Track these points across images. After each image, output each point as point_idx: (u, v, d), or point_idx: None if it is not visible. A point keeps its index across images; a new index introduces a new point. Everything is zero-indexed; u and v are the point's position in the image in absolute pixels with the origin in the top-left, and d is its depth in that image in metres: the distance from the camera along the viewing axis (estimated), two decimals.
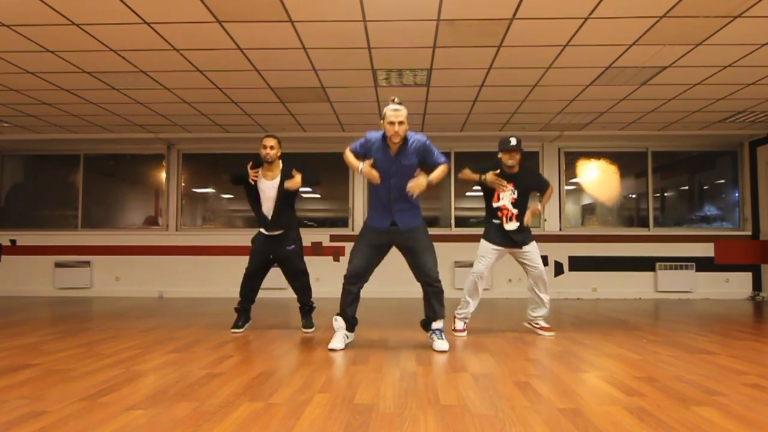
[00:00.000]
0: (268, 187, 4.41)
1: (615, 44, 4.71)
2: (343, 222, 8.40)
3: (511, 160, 4.26)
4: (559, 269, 8.07)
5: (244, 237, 8.33)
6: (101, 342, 4.03)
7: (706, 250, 8.10)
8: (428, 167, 3.69)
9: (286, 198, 4.41)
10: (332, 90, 6.02)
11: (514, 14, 4.14)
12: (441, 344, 3.70)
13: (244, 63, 5.15)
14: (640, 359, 3.46)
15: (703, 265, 8.05)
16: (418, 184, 3.55)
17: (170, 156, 8.60)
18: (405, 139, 3.59)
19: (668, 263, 8.04)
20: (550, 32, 4.47)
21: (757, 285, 8.05)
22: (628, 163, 8.57)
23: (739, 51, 4.82)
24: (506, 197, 4.33)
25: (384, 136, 3.60)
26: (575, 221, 8.71)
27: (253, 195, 4.46)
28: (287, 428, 2.09)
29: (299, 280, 4.57)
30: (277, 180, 4.40)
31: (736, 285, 8.04)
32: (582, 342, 4.14)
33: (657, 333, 4.63)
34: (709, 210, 8.66)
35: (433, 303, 3.79)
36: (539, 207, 4.38)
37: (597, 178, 8.64)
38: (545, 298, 4.45)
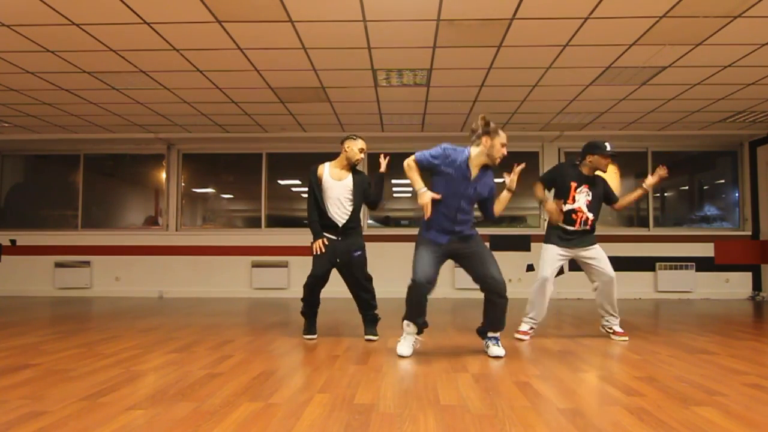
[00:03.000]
0: (334, 186, 4.13)
1: (615, 44, 4.71)
2: None
3: (605, 167, 4.17)
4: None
5: (244, 237, 8.39)
6: (101, 342, 4.03)
7: (706, 250, 8.10)
8: (482, 208, 3.67)
9: (359, 200, 4.19)
10: (332, 90, 6.02)
11: (514, 14, 4.14)
12: (497, 350, 3.56)
13: (244, 63, 5.15)
14: (640, 359, 3.46)
15: (703, 265, 8.05)
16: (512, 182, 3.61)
17: (170, 156, 8.60)
18: (486, 169, 3.53)
19: (668, 263, 8.04)
20: (550, 32, 4.47)
21: (757, 285, 8.04)
22: (628, 163, 8.56)
23: (739, 51, 4.82)
24: (581, 199, 4.17)
25: (468, 157, 3.46)
26: None
27: (318, 196, 4.14)
28: (287, 428, 2.09)
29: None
30: (350, 181, 4.14)
31: (736, 285, 8.04)
32: (582, 342, 4.14)
33: (657, 333, 4.63)
34: (709, 210, 8.65)
35: (497, 314, 3.57)
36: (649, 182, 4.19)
37: None
38: (614, 307, 4.27)
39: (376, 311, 4.27)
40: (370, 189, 4.24)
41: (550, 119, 7.28)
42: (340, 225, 4.11)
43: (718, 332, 4.65)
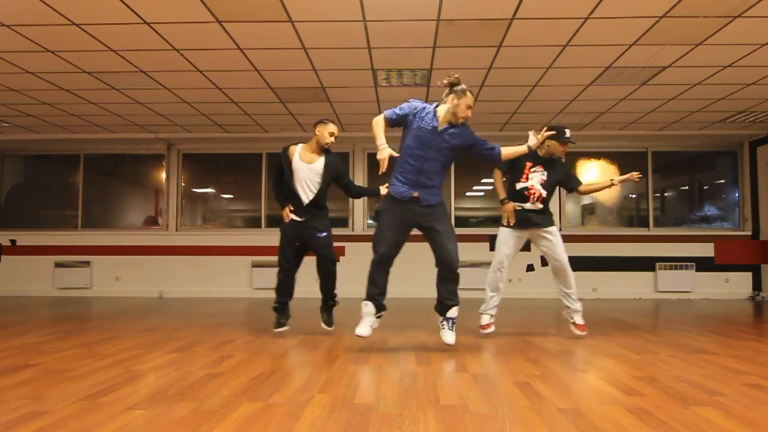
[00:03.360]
0: (302, 168, 4.22)
1: (615, 44, 4.71)
2: (343, 222, 8.39)
3: (562, 154, 4.20)
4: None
5: (244, 237, 8.39)
6: (101, 342, 4.03)
7: (706, 250, 8.10)
8: (483, 157, 3.72)
9: (326, 183, 4.27)
10: (332, 90, 6.02)
11: (514, 14, 4.14)
12: (449, 336, 3.59)
13: (244, 63, 5.15)
14: (640, 359, 3.46)
15: (703, 265, 8.05)
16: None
17: (170, 156, 8.60)
18: (455, 125, 3.59)
19: (668, 263, 8.03)
20: (550, 32, 4.47)
21: (757, 285, 8.04)
22: (628, 163, 8.55)
23: (739, 51, 4.82)
24: (535, 177, 4.17)
25: (433, 110, 3.57)
26: (575, 221, 8.71)
27: (287, 175, 4.27)
28: (287, 428, 2.09)
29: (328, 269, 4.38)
30: (316, 165, 4.21)
31: (736, 285, 8.04)
32: (582, 342, 4.14)
33: (657, 333, 4.63)
34: (709, 210, 8.66)
35: (449, 287, 3.64)
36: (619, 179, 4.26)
37: (597, 178, 8.63)
38: (570, 293, 4.29)
39: (336, 299, 4.43)
40: (345, 175, 4.38)
41: (550, 119, 7.28)
42: (304, 205, 4.24)
43: (718, 332, 4.65)
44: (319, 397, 2.52)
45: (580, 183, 4.37)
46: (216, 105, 6.59)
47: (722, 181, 8.70)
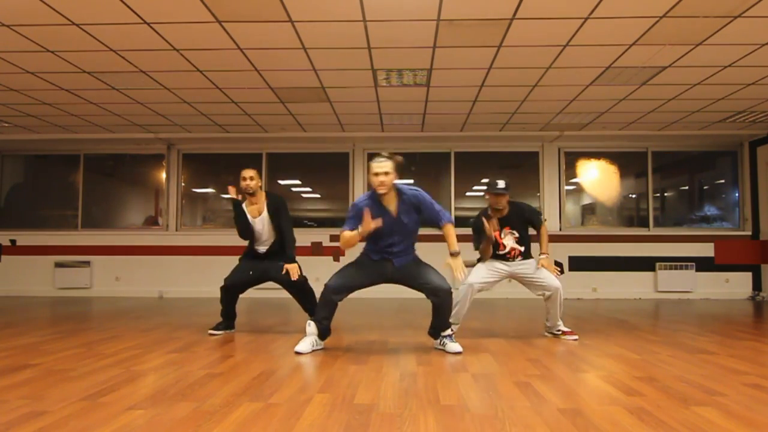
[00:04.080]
0: (255, 222, 4.38)
1: (615, 44, 4.71)
2: (343, 222, 8.37)
3: (499, 204, 4.13)
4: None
5: None
6: (101, 342, 4.03)
7: (706, 250, 8.10)
8: (429, 221, 3.72)
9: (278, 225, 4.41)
10: (332, 90, 6.02)
11: (514, 14, 4.14)
12: (453, 346, 3.67)
13: (244, 63, 5.15)
14: (640, 359, 3.46)
15: (703, 265, 8.05)
16: (458, 265, 3.54)
17: (170, 156, 8.60)
18: (400, 195, 3.60)
19: (668, 263, 8.03)
20: (550, 32, 4.47)
21: (757, 285, 8.04)
22: (628, 163, 8.56)
23: (739, 51, 4.82)
24: (509, 240, 4.21)
25: (375, 197, 3.60)
26: (575, 221, 8.71)
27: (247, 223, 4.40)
28: (287, 428, 2.09)
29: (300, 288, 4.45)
30: (264, 214, 4.37)
31: (736, 285, 8.04)
32: (582, 342, 4.14)
33: (657, 333, 4.63)
34: (709, 210, 8.66)
35: (443, 314, 3.74)
36: (544, 261, 4.17)
37: (597, 178, 8.63)
38: (559, 325, 4.27)
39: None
40: (284, 213, 4.38)
41: (550, 119, 7.28)
42: (263, 252, 4.42)
43: (718, 332, 4.65)
44: (319, 397, 2.52)
45: (540, 221, 4.28)
46: (216, 105, 6.59)
47: (722, 181, 8.70)
